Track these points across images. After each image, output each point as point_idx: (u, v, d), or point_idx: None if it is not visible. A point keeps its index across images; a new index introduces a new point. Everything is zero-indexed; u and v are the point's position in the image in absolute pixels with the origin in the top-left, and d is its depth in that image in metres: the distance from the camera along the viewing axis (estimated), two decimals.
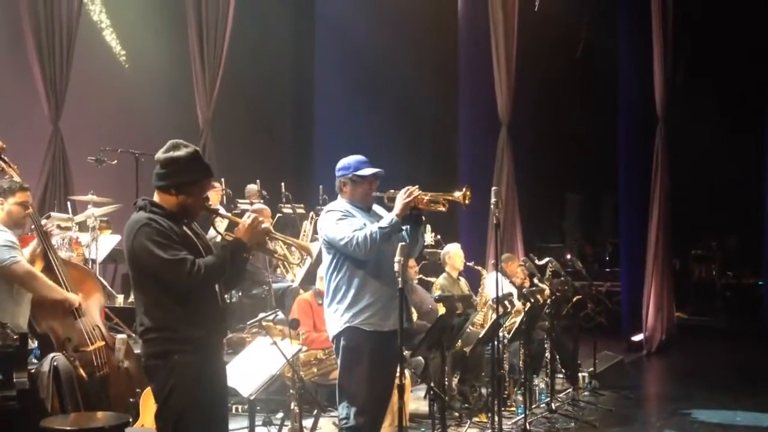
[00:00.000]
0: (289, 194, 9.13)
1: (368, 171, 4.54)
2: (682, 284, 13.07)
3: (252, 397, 4.41)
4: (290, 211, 8.94)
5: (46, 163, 8.89)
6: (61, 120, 9.01)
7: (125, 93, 10.24)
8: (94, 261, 7.02)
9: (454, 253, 7.72)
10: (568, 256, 10.00)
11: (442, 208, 4.48)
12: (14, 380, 4.04)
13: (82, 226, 7.28)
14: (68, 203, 7.75)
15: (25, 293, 4.80)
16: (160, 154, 3.53)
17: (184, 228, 3.54)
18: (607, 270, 13.87)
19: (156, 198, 3.55)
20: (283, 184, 9.17)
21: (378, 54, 12.41)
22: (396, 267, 4.00)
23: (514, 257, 8.84)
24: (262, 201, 8.70)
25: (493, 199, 5.01)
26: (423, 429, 5.89)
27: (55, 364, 4.35)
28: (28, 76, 8.95)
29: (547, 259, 8.79)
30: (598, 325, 8.58)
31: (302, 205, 9.23)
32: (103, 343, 4.98)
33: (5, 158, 5.28)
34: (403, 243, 4.12)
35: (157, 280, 3.41)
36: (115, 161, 8.01)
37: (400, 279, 3.99)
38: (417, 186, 4.44)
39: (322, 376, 5.90)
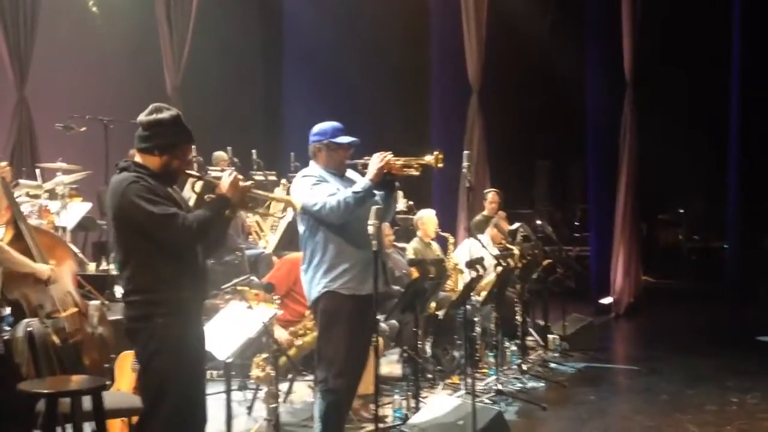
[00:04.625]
0: (261, 161, 9.09)
1: (345, 139, 4.53)
2: (649, 248, 13.26)
3: (229, 361, 4.43)
4: (262, 178, 8.89)
5: (12, 132, 8.79)
6: (27, 88, 8.90)
7: (93, 60, 10.10)
8: (64, 229, 6.96)
9: (427, 219, 7.75)
10: (538, 222, 10.07)
11: (415, 173, 4.49)
12: None
13: (51, 194, 7.21)
14: (36, 171, 7.65)
15: None
16: (142, 117, 3.55)
17: (167, 189, 3.56)
18: (576, 235, 14.04)
19: (138, 159, 3.56)
20: (254, 151, 9.12)
21: (347, 18, 12.32)
22: (371, 230, 4.02)
23: (501, 221, 8.88)
24: (233, 168, 8.66)
25: (465, 163, 5.04)
26: (397, 391, 5.96)
27: (29, 329, 4.32)
28: None
29: (517, 224, 8.89)
30: (567, 288, 8.72)
31: (274, 172, 9.19)
32: (76, 309, 4.96)
33: None
34: (378, 206, 4.14)
35: (146, 239, 3.42)
36: (84, 128, 7.90)
37: (375, 242, 4.01)
38: (390, 152, 4.45)
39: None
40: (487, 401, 6.05)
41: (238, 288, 4.77)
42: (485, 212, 9.50)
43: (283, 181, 8.40)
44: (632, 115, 10.85)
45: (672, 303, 12.22)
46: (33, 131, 8.94)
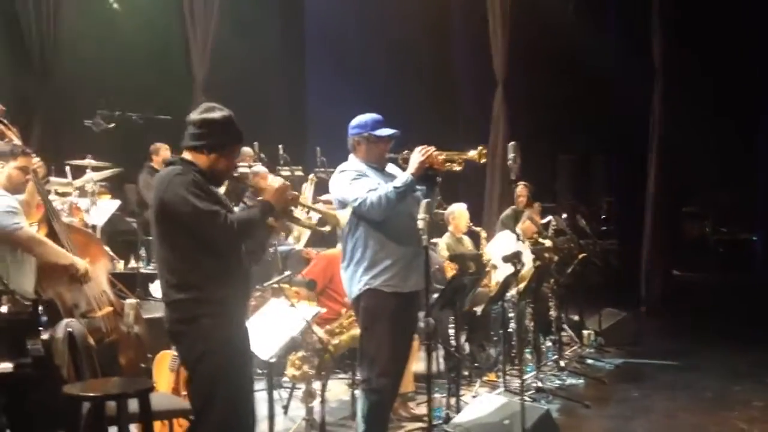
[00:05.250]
0: (287, 156, 8.99)
1: (385, 131, 4.39)
2: (674, 241, 13.06)
3: (272, 360, 4.33)
4: (289, 173, 8.79)
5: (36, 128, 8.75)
6: (54, 83, 8.86)
7: (117, 56, 10.02)
8: (94, 227, 6.87)
9: (459, 213, 7.60)
10: (564, 215, 9.93)
11: (458, 167, 4.34)
12: (28, 347, 3.91)
13: (81, 192, 7.13)
14: (66, 168, 7.57)
15: (28, 259, 4.67)
16: (195, 116, 3.54)
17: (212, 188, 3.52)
18: (603, 228, 13.85)
19: (187, 156, 3.53)
20: (281, 146, 9.01)
21: (371, 11, 12.19)
22: (420, 224, 3.91)
23: (534, 215, 8.73)
24: (260, 164, 8.54)
25: (510, 155, 4.89)
26: (437, 389, 5.84)
27: (69, 330, 4.22)
28: (18, 39, 8.80)
29: (549, 218, 8.77)
30: (595, 283, 8.58)
31: (300, 167, 9.09)
32: (111, 308, 4.87)
33: (4, 121, 5.14)
34: (428, 200, 4.01)
35: (188, 233, 3.35)
36: (113, 124, 7.79)
37: (425, 237, 3.89)
38: (432, 146, 4.31)
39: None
40: (527, 399, 5.90)
41: (279, 285, 4.65)
42: (514, 206, 9.36)
43: (311, 176, 8.29)
44: (661, 104, 10.67)
45: (701, 296, 12.02)
46: (59, 128, 8.90)
